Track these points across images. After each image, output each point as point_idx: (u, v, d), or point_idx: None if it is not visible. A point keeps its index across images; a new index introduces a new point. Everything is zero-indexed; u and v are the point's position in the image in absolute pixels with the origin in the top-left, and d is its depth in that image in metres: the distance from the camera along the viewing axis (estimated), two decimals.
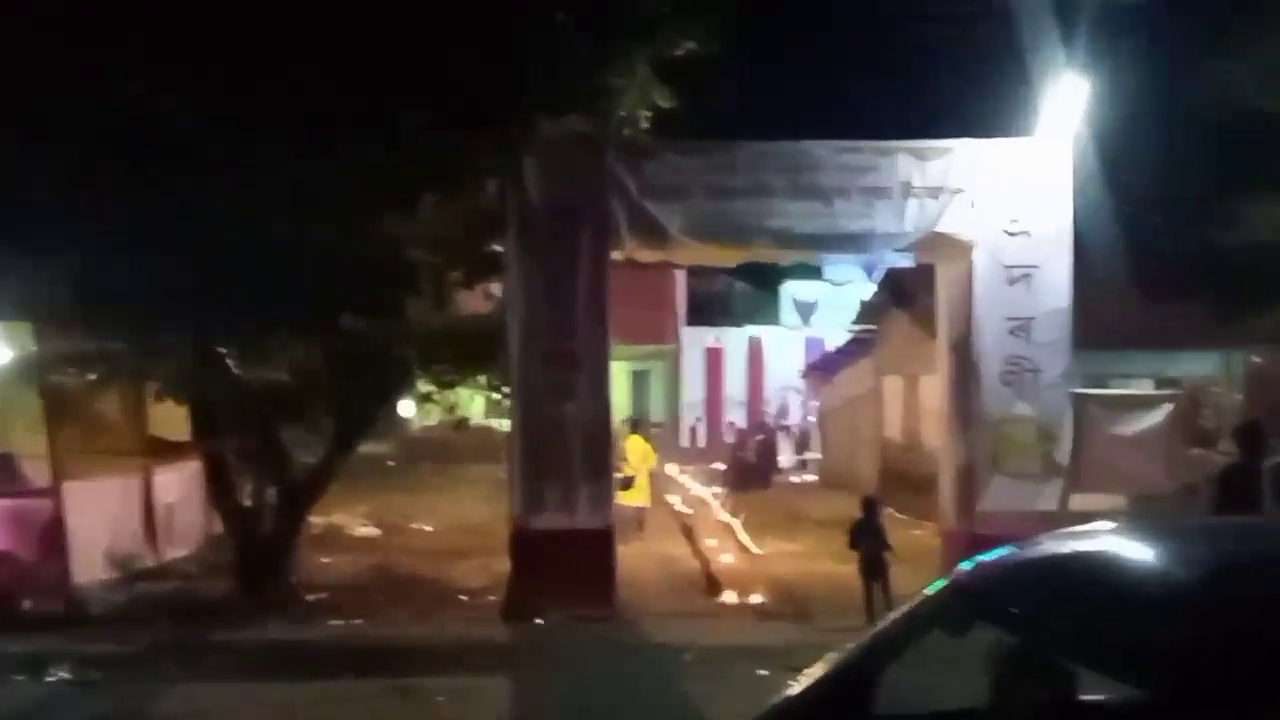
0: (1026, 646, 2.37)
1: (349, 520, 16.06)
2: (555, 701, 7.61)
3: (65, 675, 8.36)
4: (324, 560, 13.01)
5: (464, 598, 11.38)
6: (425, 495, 19.16)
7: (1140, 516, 9.86)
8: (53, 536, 10.42)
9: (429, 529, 16.15)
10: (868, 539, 10.24)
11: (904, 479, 18.28)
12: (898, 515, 17.45)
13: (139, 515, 11.95)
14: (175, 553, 12.40)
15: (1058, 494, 10.71)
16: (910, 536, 14.58)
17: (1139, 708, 2.12)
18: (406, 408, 28.60)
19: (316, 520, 13.28)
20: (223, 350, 10.58)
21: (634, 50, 10.75)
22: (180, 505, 12.60)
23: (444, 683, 7.96)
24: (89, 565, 10.77)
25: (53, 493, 10.46)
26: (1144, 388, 14.28)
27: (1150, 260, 17.08)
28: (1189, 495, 10.40)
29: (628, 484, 15.96)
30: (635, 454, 16.76)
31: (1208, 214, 15.81)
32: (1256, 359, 12.77)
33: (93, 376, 10.88)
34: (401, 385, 12.85)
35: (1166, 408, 11.53)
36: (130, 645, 9.19)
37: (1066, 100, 11.16)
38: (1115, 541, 2.64)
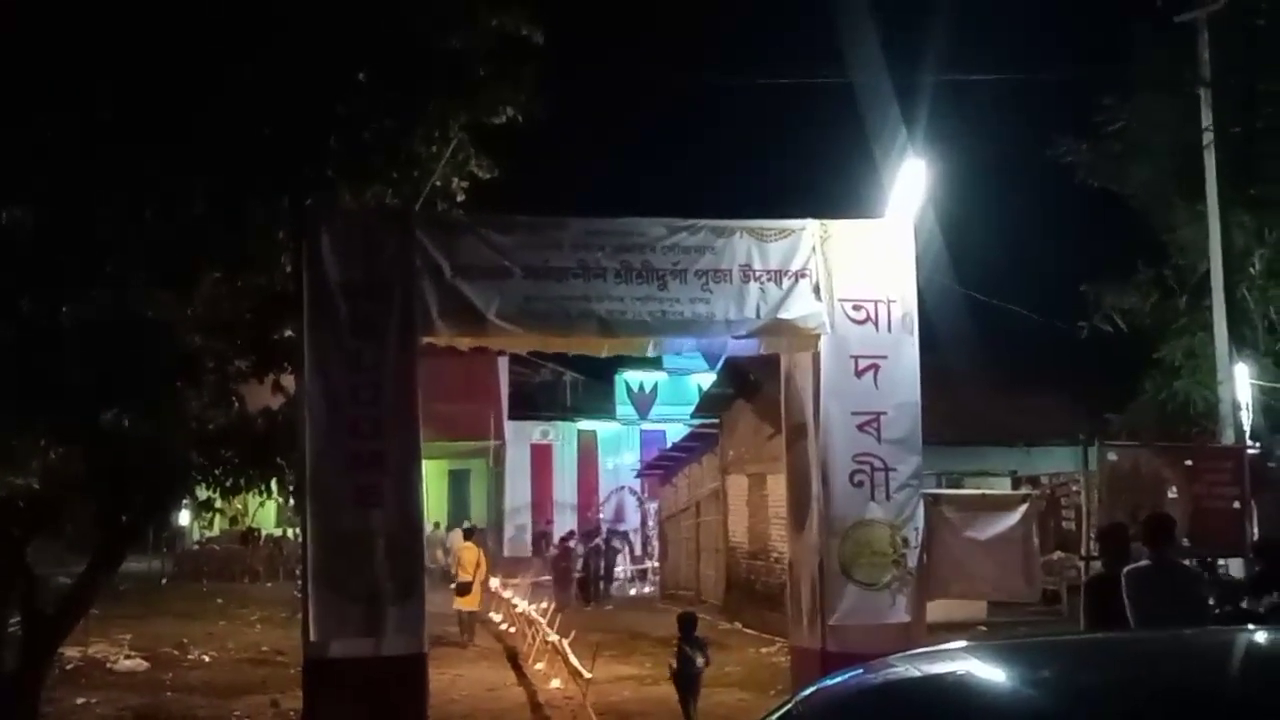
0: None
1: (111, 650, 15.23)
2: None
3: None
4: (80, 701, 12.31)
5: None
6: (204, 619, 18.40)
7: (997, 630, 10.13)
8: None
9: (208, 659, 15.48)
10: (681, 656, 10.82)
11: (751, 590, 18.43)
12: (746, 630, 17.63)
13: None
14: None
15: (911, 604, 10.88)
16: (759, 655, 14.70)
17: None
18: (183, 517, 27.68)
19: (71, 653, 12.59)
20: None
21: (448, 114, 10.75)
22: None
23: None
24: None
25: None
26: (1000, 486, 14.73)
27: (1003, 350, 17.87)
28: (1052, 603, 10.73)
29: (464, 589, 17.20)
30: (468, 561, 17.71)
31: (1061, 302, 16.66)
32: (1112, 455, 13.33)
33: None
34: (176, 492, 12.34)
35: (1023, 508, 11.90)
36: None
37: (911, 182, 11.61)
38: (964, 664, 2.63)
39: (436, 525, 23.00)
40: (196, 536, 29.91)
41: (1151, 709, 2.26)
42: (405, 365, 10.50)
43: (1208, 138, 13.89)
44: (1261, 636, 3.52)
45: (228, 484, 11.94)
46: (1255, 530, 12.71)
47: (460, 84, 10.65)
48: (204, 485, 11.94)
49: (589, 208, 11.33)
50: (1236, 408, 13.63)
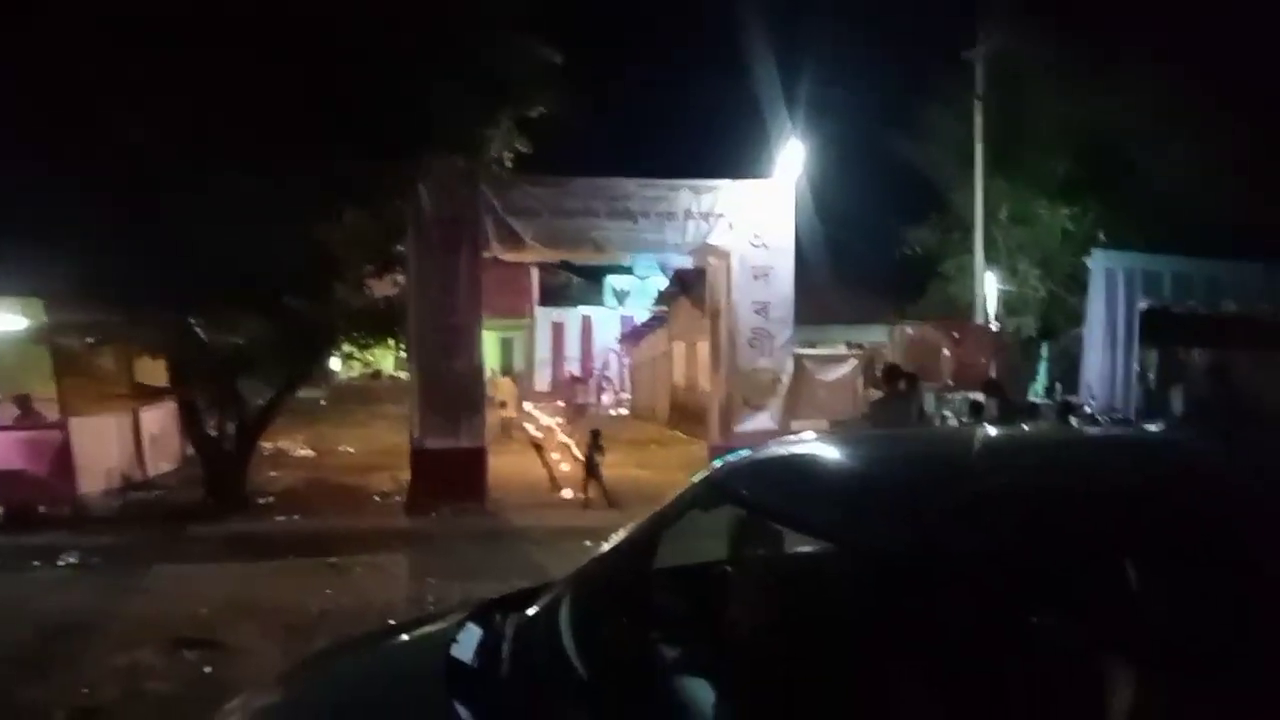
0: (751, 517, 2.36)
1: (291, 445, 15.47)
2: (442, 569, 7.56)
3: (72, 560, 7.89)
4: (272, 474, 12.52)
5: (377, 499, 11.12)
6: (349, 428, 18.54)
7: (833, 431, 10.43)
8: (61, 459, 9.74)
9: (352, 451, 15.66)
10: (589, 453, 10.98)
11: (687, 411, 18.70)
12: (682, 435, 17.99)
13: (130, 442, 11.23)
14: (158, 470, 11.72)
15: (782, 419, 11.21)
16: (689, 449, 15.01)
17: (823, 555, 2.11)
18: (336, 363, 27.71)
19: (266, 445, 12.72)
20: (192, 321, 10.05)
21: (500, 110, 10.65)
22: (161, 435, 11.91)
23: (361, 559, 7.81)
24: (92, 479, 10.12)
25: (61, 426, 9.79)
26: (840, 349, 14.93)
27: (846, 265, 17.97)
28: (865, 418, 11.01)
29: (503, 405, 17.50)
30: (506, 390, 18.24)
31: (883, 235, 16.73)
32: (909, 330, 13.54)
33: (91, 340, 10.19)
34: (330, 347, 12.42)
35: (853, 362, 12.17)
36: (124, 538, 8.69)
37: (792, 154, 11.60)
38: (813, 446, 2.70)
39: (493, 371, 23.10)
40: (344, 376, 29.96)
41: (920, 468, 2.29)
42: (472, 269, 10.57)
43: (977, 132, 13.85)
44: (973, 431, 3.51)
45: (362, 342, 12.10)
46: (993, 374, 12.99)
47: (508, 92, 10.53)
48: (348, 343, 12.10)
49: (590, 168, 11.22)
50: (984, 301, 13.82)
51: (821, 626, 1.77)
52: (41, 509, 9.69)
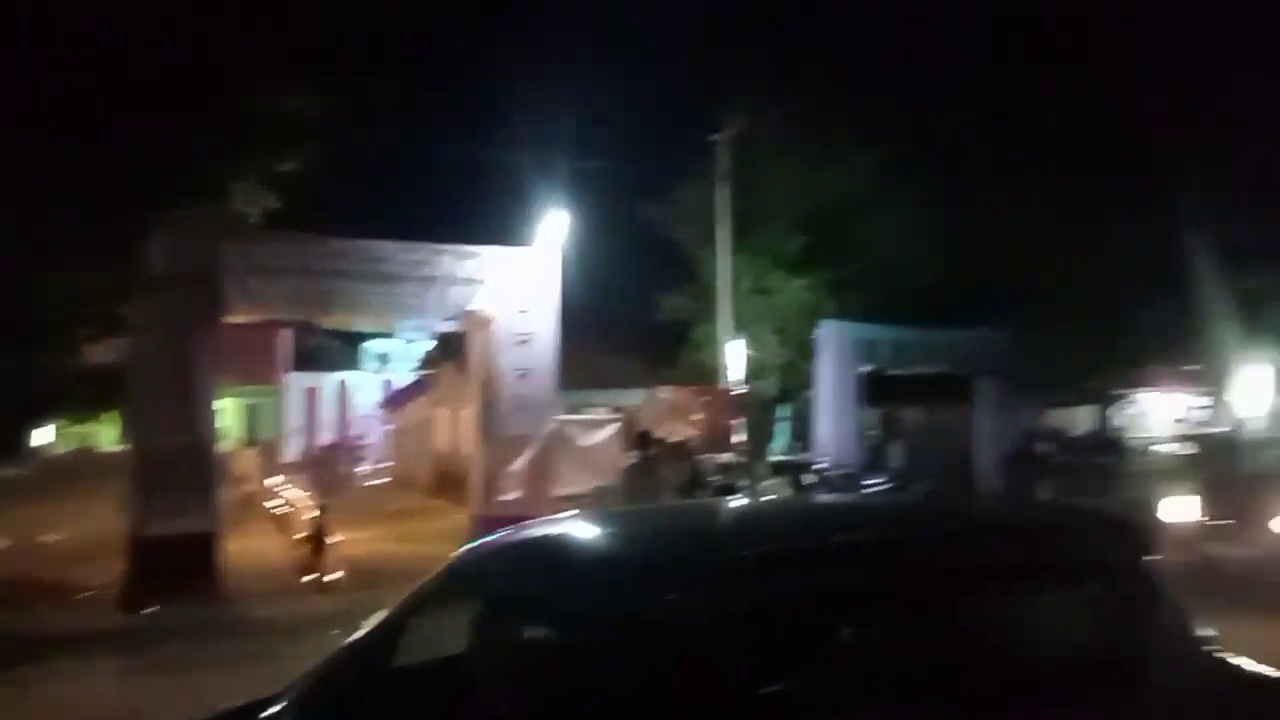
0: (493, 607, 2.30)
1: None
2: (160, 673, 6.63)
3: None
4: None
5: (86, 594, 9.63)
6: (57, 511, 16.07)
7: (597, 502, 10.48)
8: None
9: (57, 538, 13.57)
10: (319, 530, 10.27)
11: (450, 479, 18.14)
12: (446, 504, 17.33)
13: None
14: None
15: (547, 487, 11.13)
16: (453, 519, 14.48)
17: (566, 641, 2.07)
18: (46, 435, 24.11)
19: None
20: None
21: (246, 161, 9.96)
22: None
23: (59, 666, 6.68)
24: None
25: None
26: (603, 413, 15.16)
27: (609, 331, 18.44)
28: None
29: (245, 479, 16.74)
30: (249, 462, 17.82)
31: (642, 302, 17.37)
32: (663, 394, 14.10)
33: None
34: (35, 418, 10.79)
35: (614, 426, 12.43)
36: None
37: (555, 223, 11.81)
38: (572, 523, 2.68)
39: (236, 442, 21.16)
40: (55, 451, 26.18)
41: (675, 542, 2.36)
42: (209, 333, 9.66)
43: (720, 211, 14.89)
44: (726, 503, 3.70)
45: (77, 414, 10.63)
46: (741, 436, 13.75)
47: (255, 143, 9.89)
48: (60, 414, 10.57)
49: (345, 229, 10.75)
50: (729, 366, 14.65)
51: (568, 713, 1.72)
52: None
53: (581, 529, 2.58)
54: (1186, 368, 20.75)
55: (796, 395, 16.78)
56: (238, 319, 10.34)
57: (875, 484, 12.56)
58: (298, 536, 10.33)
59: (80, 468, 23.33)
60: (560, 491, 10.91)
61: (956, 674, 1.95)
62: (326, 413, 29.51)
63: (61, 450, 26.96)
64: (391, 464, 25.73)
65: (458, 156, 17.47)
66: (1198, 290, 17.32)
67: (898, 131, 15.94)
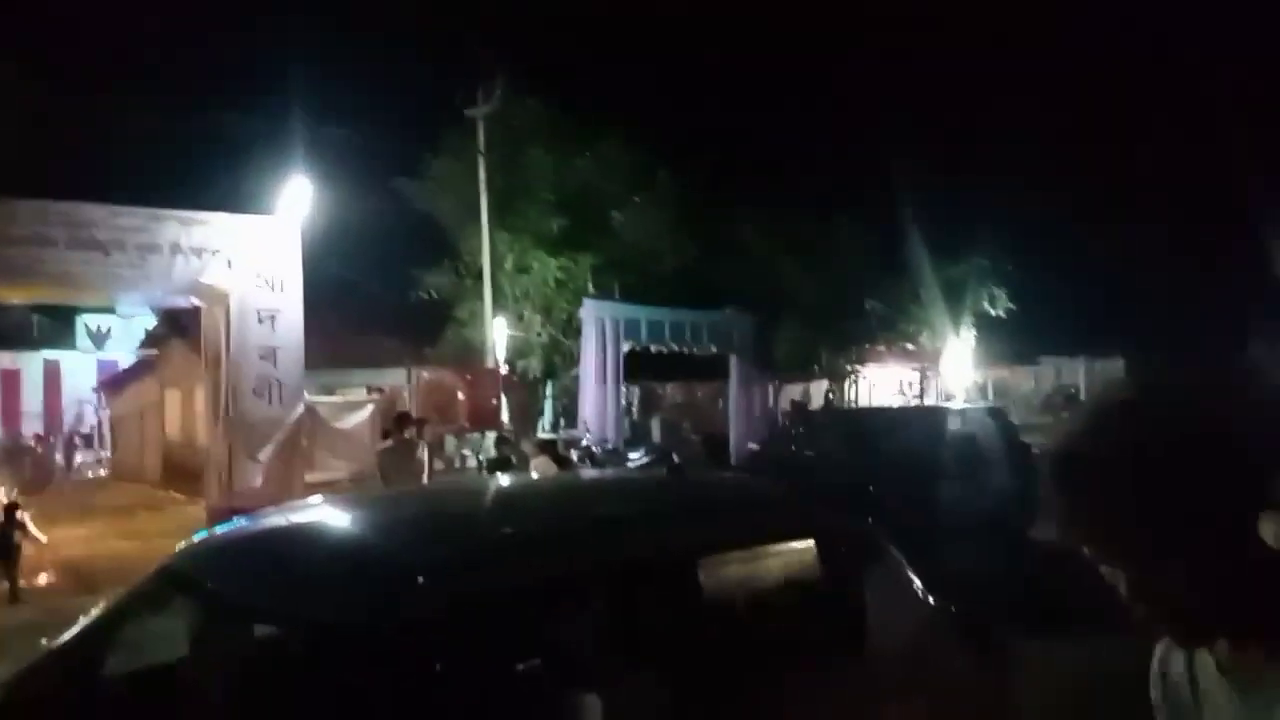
0: (212, 610, 2.15)
1: None
2: None
3: None
4: None
5: None
6: None
7: (353, 487, 10.04)
8: None
9: None
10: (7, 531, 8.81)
11: (184, 469, 16.56)
12: (177, 496, 15.84)
13: None
14: None
15: (296, 472, 10.49)
16: (186, 511, 13.30)
17: (302, 643, 1.94)
18: None
19: None
20: None
21: None
22: None
23: None
24: None
25: None
26: (359, 394, 14.57)
27: (364, 309, 17.64)
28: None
29: None
30: None
31: (400, 279, 16.77)
32: (426, 374, 13.75)
33: None
34: None
35: (370, 408, 11.93)
36: None
37: (298, 192, 11.04)
38: (315, 510, 2.51)
39: None
40: None
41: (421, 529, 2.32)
42: None
43: (481, 185, 14.67)
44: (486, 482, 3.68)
45: None
46: (506, 415, 13.76)
47: None
48: None
49: (52, 191, 9.42)
50: (494, 345, 14.59)
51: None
52: None
53: (314, 518, 2.42)
54: (905, 346, 23.51)
55: (561, 373, 17.01)
56: None
57: (636, 459, 13.05)
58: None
59: None
60: (313, 478, 10.33)
61: (694, 640, 2.06)
62: (31, 399, 25.75)
63: None
64: (112, 454, 23.03)
65: (191, 119, 15.83)
66: (913, 278, 19.66)
67: (653, 122, 16.61)
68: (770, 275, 18.13)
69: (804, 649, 2.20)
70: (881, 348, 22.51)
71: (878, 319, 20.11)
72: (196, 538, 2.42)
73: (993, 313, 22.67)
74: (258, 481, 10.03)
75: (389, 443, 8.78)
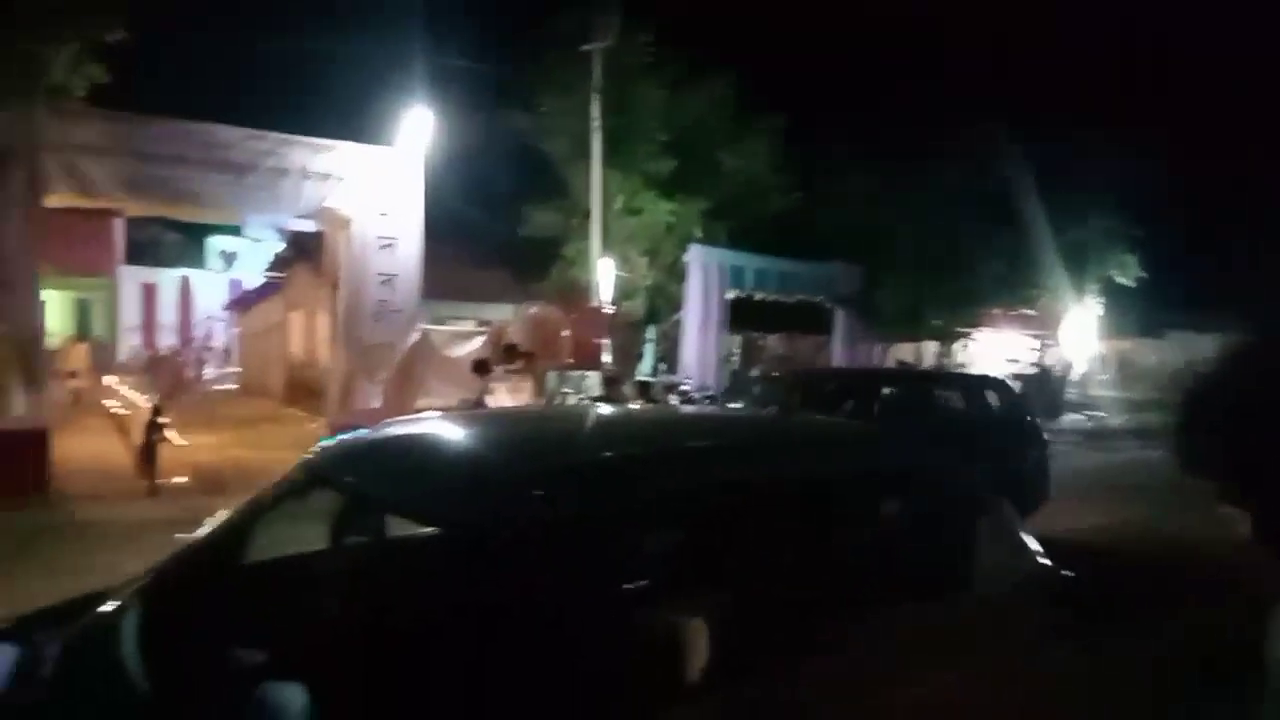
0: (351, 504, 2.25)
1: None
2: None
3: None
4: None
5: None
6: None
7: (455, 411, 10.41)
8: None
9: None
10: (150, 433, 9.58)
11: (304, 387, 17.51)
12: (298, 412, 16.78)
13: None
14: None
15: (408, 395, 10.93)
16: (306, 428, 14.06)
17: (430, 541, 2.05)
18: None
19: None
20: None
21: (62, 26, 8.91)
22: None
23: None
24: None
25: None
26: (469, 325, 14.96)
27: (475, 242, 18.02)
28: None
29: (73, 375, 16.06)
30: (78, 358, 16.67)
31: (511, 215, 16.98)
32: (533, 309, 14.01)
33: None
34: None
35: (480, 339, 12.27)
36: None
37: (418, 123, 11.28)
38: (413, 428, 2.57)
39: (64, 337, 19.47)
40: None
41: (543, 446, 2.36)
42: (27, 215, 8.77)
43: (593, 124, 14.62)
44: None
45: None
46: (608, 356, 13.90)
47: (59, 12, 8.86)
48: None
49: (183, 108, 9.90)
50: (599, 285, 14.67)
51: (422, 614, 1.71)
52: None
53: (449, 428, 2.51)
54: (1023, 311, 22.48)
55: (663, 317, 17.03)
56: (63, 203, 9.43)
57: (736, 408, 13.02)
58: (135, 438, 9.71)
59: None
60: (424, 403, 10.74)
61: (798, 572, 2.06)
62: (166, 312, 27.56)
63: None
64: (239, 369, 24.50)
65: (315, 46, 16.27)
66: (1033, 240, 18.68)
67: (762, 63, 16.16)
68: (878, 226, 17.55)
69: (907, 588, 2.17)
70: (997, 311, 21.59)
71: (994, 279, 19.26)
72: (335, 439, 2.52)
73: (1121, 281, 21.39)
74: (375, 402, 10.52)
75: (498, 371, 9.03)
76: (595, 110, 14.59)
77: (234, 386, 23.37)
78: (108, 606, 2.05)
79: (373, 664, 1.56)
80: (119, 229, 26.97)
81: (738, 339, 17.14)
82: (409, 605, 1.72)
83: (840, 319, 17.87)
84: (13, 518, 7.85)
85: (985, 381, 9.09)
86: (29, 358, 8.83)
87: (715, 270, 15.20)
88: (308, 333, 18.53)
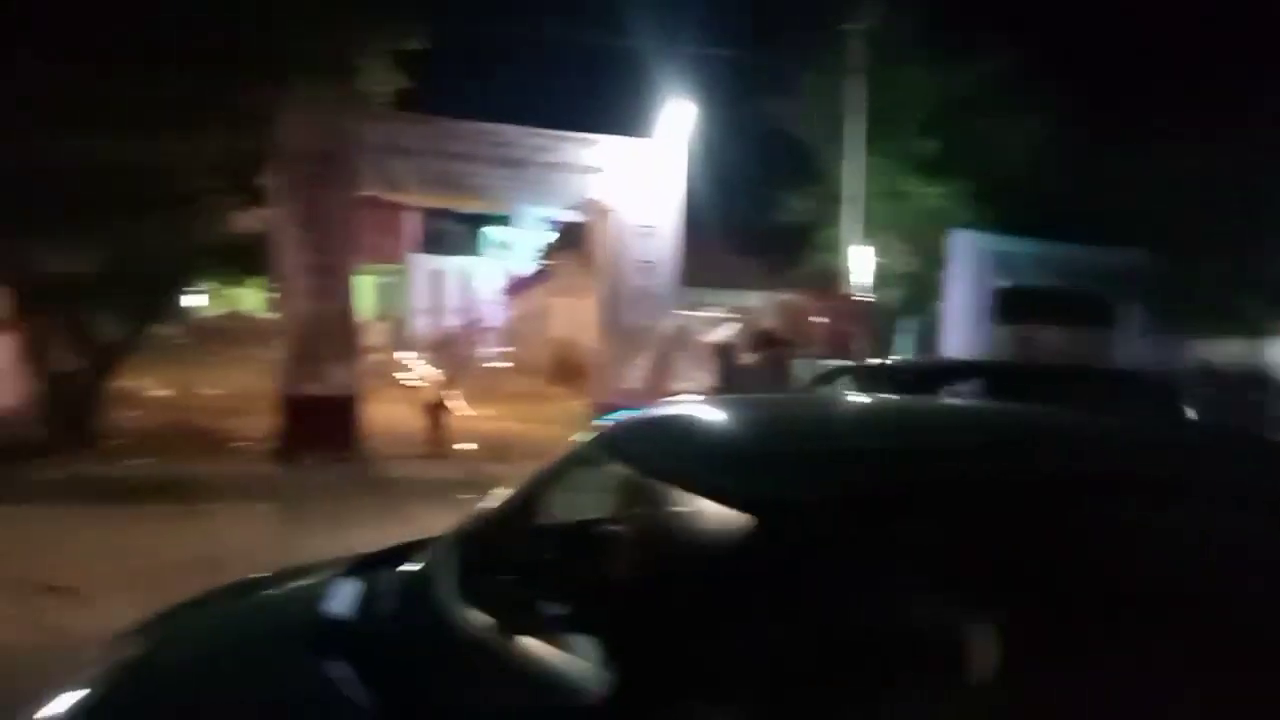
0: (638, 475, 2.35)
1: (146, 384, 14.30)
2: (310, 519, 7.26)
3: None
4: (128, 414, 11.49)
5: (241, 444, 10.47)
6: (209, 369, 17.47)
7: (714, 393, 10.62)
8: None
9: (212, 393, 14.77)
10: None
11: (567, 367, 18.67)
12: (563, 391, 17.94)
13: None
14: (3, 405, 10.67)
15: (669, 376, 11.32)
16: (569, 406, 15.01)
17: (710, 514, 2.06)
18: (197, 300, 25.95)
19: (123, 383, 11.60)
20: (33, 245, 9.14)
21: (373, 38, 10.16)
22: (6, 369, 10.82)
23: (224, 506, 7.35)
24: None
25: None
26: (720, 313, 15.15)
27: (728, 229, 18.21)
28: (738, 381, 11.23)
29: (373, 350, 17.51)
30: (379, 336, 19.57)
31: (763, 201, 16.96)
32: (786, 297, 13.93)
33: None
34: (182, 281, 11.63)
35: (733, 326, 12.44)
36: None
37: (679, 113, 11.60)
38: (697, 408, 2.72)
39: (368, 316, 22.29)
40: (203, 314, 28.29)
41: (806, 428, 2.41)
42: (344, 208, 10.09)
43: (853, 106, 14.19)
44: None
45: (224, 279, 11.41)
46: (860, 344, 13.48)
47: (382, 19, 10.05)
48: (207, 278, 11.37)
49: (465, 111, 10.92)
50: (852, 274, 14.26)
51: (704, 581, 1.80)
52: None
53: (718, 409, 2.60)
54: None
55: (923, 307, 16.25)
56: (369, 197, 10.74)
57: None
58: (429, 406, 10.90)
59: (229, 330, 25.21)
60: (678, 386, 11.10)
61: (1101, 578, 1.92)
62: (450, 295, 30.59)
63: (211, 313, 29.04)
64: (512, 349, 26.59)
65: (576, 42, 17.16)
66: None
67: (1030, 34, 14.74)
68: (1177, 205, 15.39)
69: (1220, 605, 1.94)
70: None
71: None
72: (616, 416, 2.71)
73: None
74: (634, 383, 11.03)
75: (754, 358, 9.11)
76: (854, 91, 14.17)
77: (507, 365, 25.42)
78: (429, 554, 2.35)
79: (664, 628, 1.67)
80: (410, 221, 30.34)
81: (1007, 332, 15.91)
82: (702, 575, 1.81)
83: (1130, 312, 16.07)
84: (334, 472, 9.15)
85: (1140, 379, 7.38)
86: (345, 334, 10.18)
87: (980, 257, 14.24)
88: (572, 317, 19.70)
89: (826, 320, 13.42)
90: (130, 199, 8.79)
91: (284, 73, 9.21)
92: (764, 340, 9.30)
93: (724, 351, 10.08)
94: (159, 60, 8.04)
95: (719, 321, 12.70)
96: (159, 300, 10.99)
